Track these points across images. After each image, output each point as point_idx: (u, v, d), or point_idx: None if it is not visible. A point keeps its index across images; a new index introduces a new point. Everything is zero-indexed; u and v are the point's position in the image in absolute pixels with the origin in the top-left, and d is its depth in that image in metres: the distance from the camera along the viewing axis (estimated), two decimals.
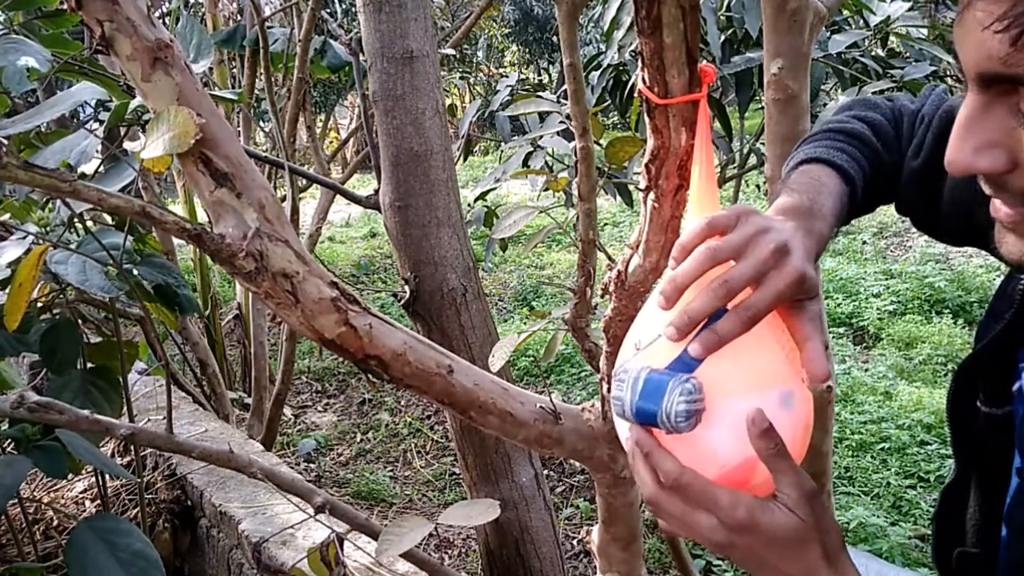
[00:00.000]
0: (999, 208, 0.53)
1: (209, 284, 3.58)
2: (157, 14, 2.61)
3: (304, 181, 3.10)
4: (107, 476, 1.92)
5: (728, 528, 0.59)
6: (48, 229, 1.35)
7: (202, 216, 0.89)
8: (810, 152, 0.78)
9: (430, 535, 0.93)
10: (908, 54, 2.16)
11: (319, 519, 1.16)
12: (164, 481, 2.14)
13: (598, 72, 2.41)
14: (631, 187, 2.37)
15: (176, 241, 3.39)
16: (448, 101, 4.96)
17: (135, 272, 1.45)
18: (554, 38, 11.07)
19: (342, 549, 1.04)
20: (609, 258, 0.86)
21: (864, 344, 4.23)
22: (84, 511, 2.17)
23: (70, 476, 2.02)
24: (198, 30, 1.34)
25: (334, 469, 3.41)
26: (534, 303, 5.36)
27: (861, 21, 2.09)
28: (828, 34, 2.00)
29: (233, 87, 3.39)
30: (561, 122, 1.94)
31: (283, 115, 2.76)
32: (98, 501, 2.11)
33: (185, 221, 0.73)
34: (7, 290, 1.23)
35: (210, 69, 2.95)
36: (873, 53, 2.10)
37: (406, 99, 1.79)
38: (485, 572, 2.16)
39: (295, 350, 3.00)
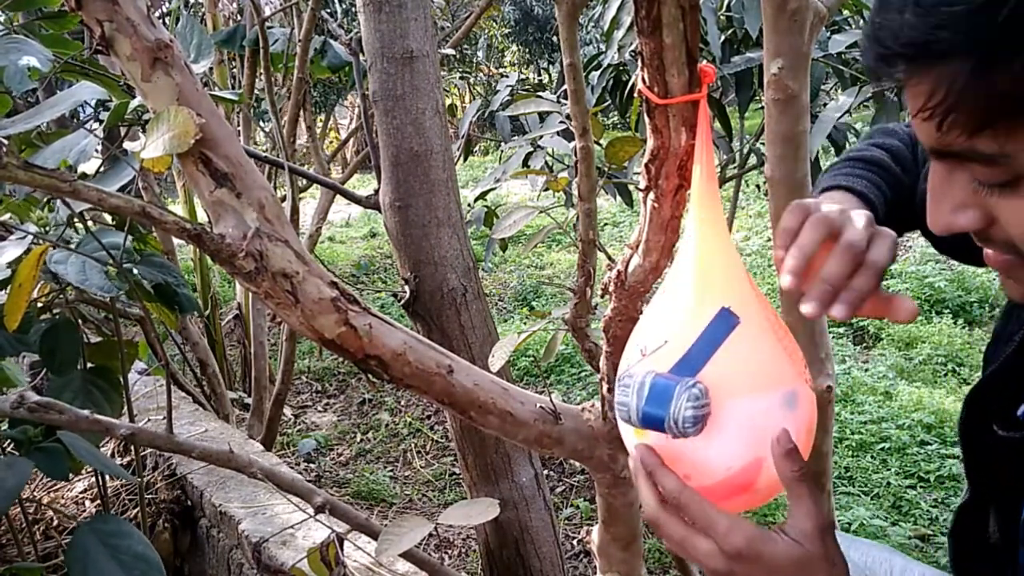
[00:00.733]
0: (991, 256, 0.55)
1: (209, 284, 3.58)
2: (157, 14, 2.61)
3: (304, 181, 3.09)
4: (107, 476, 1.92)
5: (726, 555, 0.59)
6: (48, 229, 1.35)
7: (202, 216, 0.89)
8: (830, 181, 0.79)
9: (430, 535, 0.93)
10: None
11: (319, 519, 1.16)
12: (164, 481, 2.14)
13: (598, 72, 2.40)
14: (631, 187, 2.37)
15: (176, 241, 3.39)
16: (448, 101, 4.96)
17: (135, 272, 1.45)
18: (554, 38, 11.07)
19: (342, 549, 1.04)
20: (609, 258, 0.86)
21: (864, 344, 4.23)
22: (84, 511, 2.17)
23: (70, 476, 2.02)
24: (198, 30, 1.34)
25: (334, 469, 3.41)
26: (534, 303, 5.36)
27: (861, 21, 2.09)
28: (828, 34, 2.00)
29: (233, 87, 3.39)
30: (561, 122, 1.94)
31: (283, 115, 2.76)
32: (98, 501, 2.11)
33: (185, 221, 0.73)
34: (7, 290, 1.23)
35: (210, 69, 2.95)
36: None
37: (406, 99, 1.79)
38: (485, 572, 2.16)
39: (295, 350, 3.00)
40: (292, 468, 2.83)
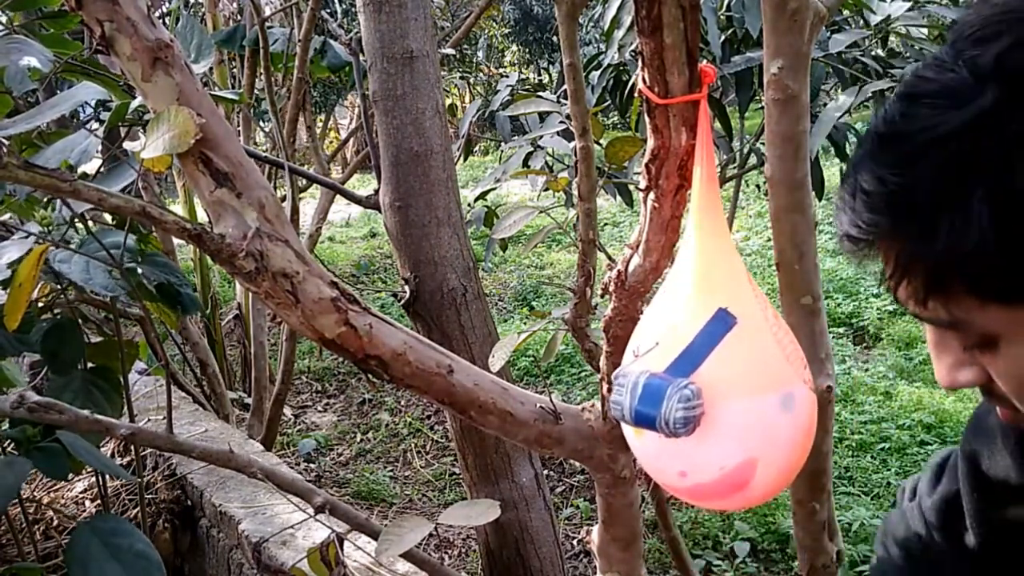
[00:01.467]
0: (1001, 412, 0.57)
1: (209, 284, 3.59)
2: (157, 14, 2.61)
3: (304, 181, 3.09)
4: (107, 476, 1.92)
5: None
6: (52, 228, 1.35)
7: (202, 216, 0.89)
8: None
9: (430, 535, 0.93)
10: (908, 54, 2.16)
11: (319, 519, 1.16)
12: (164, 481, 2.14)
13: (598, 72, 2.40)
14: (631, 187, 2.37)
15: (176, 241, 3.39)
16: (448, 101, 4.96)
17: (139, 271, 1.45)
18: (554, 38, 11.06)
19: (342, 549, 1.04)
20: (609, 258, 0.86)
21: (864, 344, 4.23)
22: (84, 511, 2.17)
23: (70, 476, 2.02)
24: (198, 30, 1.34)
25: (334, 469, 3.41)
26: (534, 303, 5.36)
27: (861, 21, 2.09)
28: (828, 34, 2.00)
29: (233, 87, 3.39)
30: (561, 122, 1.94)
31: (283, 115, 2.76)
32: (98, 501, 2.11)
33: (185, 221, 0.73)
34: (7, 290, 1.23)
35: (210, 69, 2.95)
36: (873, 53, 2.10)
37: (406, 99, 1.79)
38: (485, 572, 2.16)
39: (295, 350, 3.00)
40: (292, 468, 2.83)
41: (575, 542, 2.71)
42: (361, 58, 1.92)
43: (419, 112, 1.80)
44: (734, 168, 2.63)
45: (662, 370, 0.61)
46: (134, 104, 1.20)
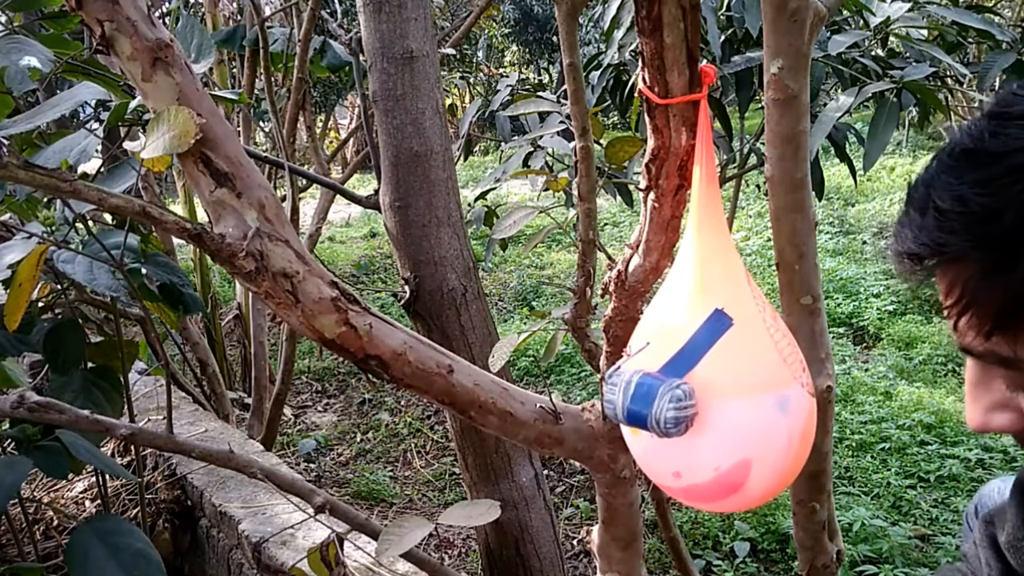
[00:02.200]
0: None
1: (209, 284, 3.59)
2: (157, 14, 2.61)
3: (304, 181, 3.09)
4: (107, 476, 1.92)
5: None
6: (54, 228, 1.35)
7: (202, 216, 0.89)
8: None
9: (430, 535, 0.93)
10: (908, 54, 2.16)
11: (319, 519, 1.16)
12: (164, 481, 2.14)
13: (598, 72, 2.40)
14: (631, 187, 2.37)
15: (176, 241, 3.39)
16: (448, 101, 4.96)
17: (142, 272, 1.45)
18: (554, 38, 11.06)
19: (342, 549, 1.04)
20: (609, 258, 0.86)
21: (864, 344, 4.23)
22: (84, 511, 2.17)
23: (70, 476, 2.02)
24: (199, 30, 1.34)
25: (334, 469, 3.41)
26: (534, 303, 5.36)
27: (861, 21, 2.09)
28: (828, 34, 2.00)
29: (233, 87, 3.39)
30: (561, 122, 1.94)
31: (283, 115, 2.76)
32: (98, 501, 2.11)
33: (185, 221, 0.73)
34: (7, 290, 1.23)
35: (210, 69, 2.95)
36: (873, 53, 2.10)
37: (406, 99, 1.79)
38: (485, 572, 2.16)
39: (295, 350, 3.00)
40: (292, 468, 2.83)
41: (575, 542, 2.71)
42: (361, 58, 1.92)
43: (419, 112, 1.80)
44: (734, 168, 2.63)
45: (656, 370, 0.61)
46: (133, 104, 1.20)
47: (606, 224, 6.96)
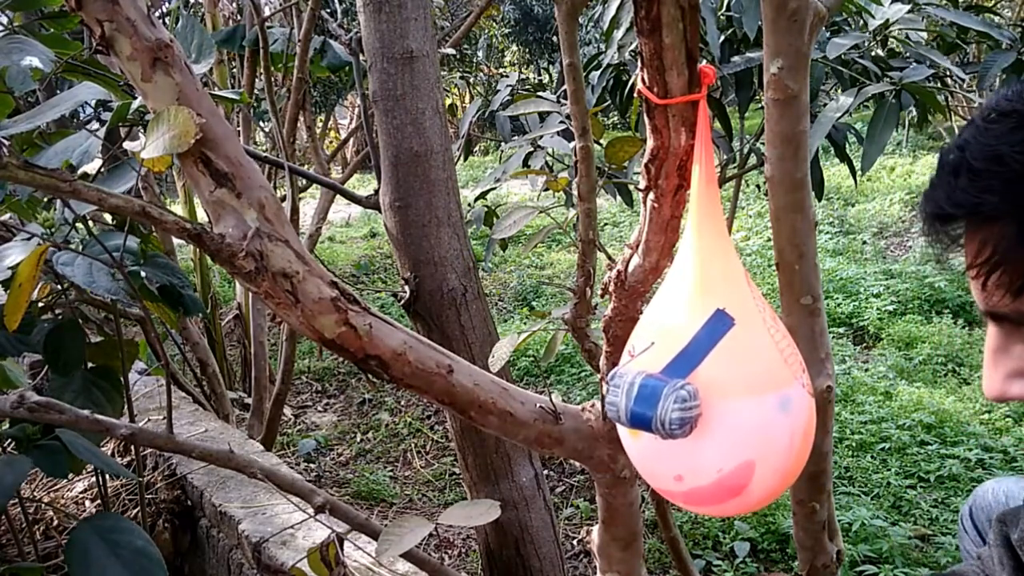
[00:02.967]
0: None
1: (209, 284, 3.59)
2: (157, 14, 2.61)
3: (304, 181, 3.10)
4: (107, 476, 1.92)
5: None
6: (53, 229, 1.35)
7: (202, 216, 0.89)
8: None
9: (430, 535, 0.93)
10: (908, 54, 2.16)
11: (319, 519, 1.16)
12: (164, 481, 2.14)
13: (598, 72, 2.40)
14: (631, 187, 2.37)
15: (176, 241, 3.39)
16: (448, 101, 4.95)
17: (142, 273, 1.45)
18: (554, 38, 11.06)
19: (342, 549, 1.04)
20: (609, 258, 0.86)
21: (864, 344, 4.23)
22: (84, 511, 2.18)
23: (70, 476, 2.02)
24: (199, 30, 1.34)
25: (334, 469, 3.41)
26: (534, 303, 5.36)
27: (861, 22, 2.09)
28: (828, 35, 2.00)
29: (233, 87, 3.39)
30: (561, 122, 1.94)
31: (283, 115, 2.76)
32: (98, 501, 2.11)
33: (185, 221, 0.73)
34: (7, 290, 1.23)
35: (210, 69, 2.95)
36: (873, 54, 2.10)
37: (406, 99, 1.79)
38: (485, 572, 2.16)
39: (295, 350, 3.00)
40: (292, 468, 2.83)
41: (575, 542, 2.71)
42: (361, 58, 1.92)
43: (419, 112, 1.80)
44: (734, 168, 2.63)
45: (659, 370, 0.60)
46: (135, 104, 1.20)
47: (606, 224, 6.96)
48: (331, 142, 9.07)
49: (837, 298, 4.59)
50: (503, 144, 2.64)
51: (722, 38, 2.14)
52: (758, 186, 5.80)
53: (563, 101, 2.00)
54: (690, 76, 0.63)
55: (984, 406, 3.34)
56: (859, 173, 2.18)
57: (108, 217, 1.96)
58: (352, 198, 2.20)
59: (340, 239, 7.68)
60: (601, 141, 1.33)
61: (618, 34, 2.18)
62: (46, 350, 1.43)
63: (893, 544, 2.46)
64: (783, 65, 0.83)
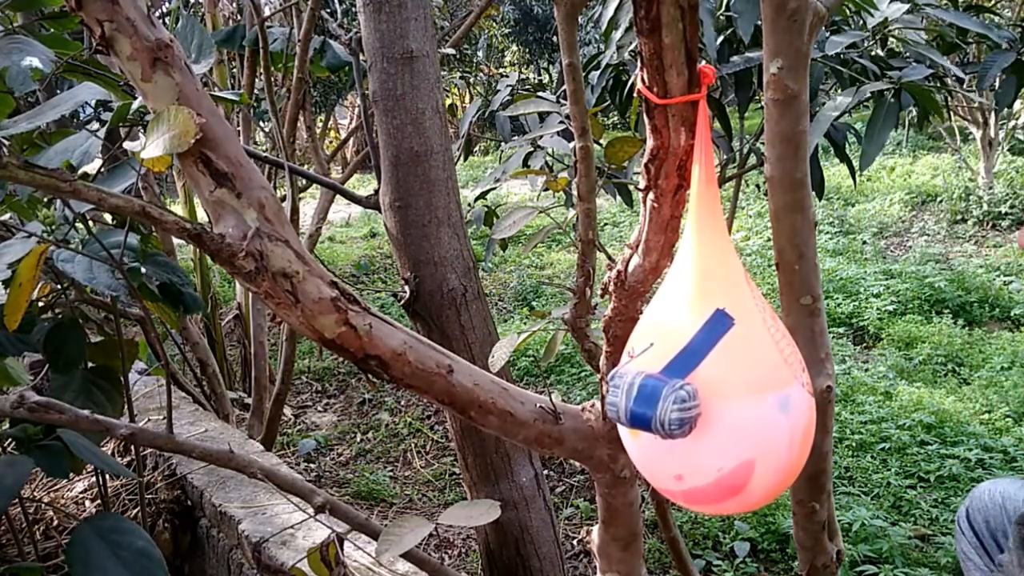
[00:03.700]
0: None
1: (209, 284, 3.59)
2: (157, 14, 2.61)
3: (304, 181, 3.10)
4: (107, 476, 1.92)
5: None
6: (54, 228, 1.35)
7: (202, 216, 0.89)
8: None
9: (430, 535, 0.93)
10: (908, 54, 2.16)
11: (319, 519, 1.16)
12: (164, 481, 2.14)
13: (598, 72, 2.40)
14: (631, 187, 2.37)
15: (176, 241, 3.39)
16: (448, 101, 4.95)
17: (142, 272, 1.45)
18: (554, 38, 11.07)
19: (342, 549, 1.04)
20: (609, 258, 0.86)
21: (864, 344, 4.23)
22: (84, 511, 2.18)
23: (71, 476, 2.02)
24: (199, 30, 1.34)
25: (334, 469, 3.41)
26: (534, 303, 5.36)
27: (861, 21, 2.09)
28: (827, 35, 2.00)
29: (233, 87, 3.39)
30: (561, 122, 1.94)
31: (283, 115, 2.76)
32: (98, 501, 2.11)
33: (185, 221, 0.73)
34: (7, 290, 1.23)
35: (210, 69, 2.95)
36: (873, 53, 2.09)
37: (406, 99, 1.79)
38: (485, 572, 2.16)
39: (295, 350, 3.00)
40: (292, 468, 2.83)
41: (575, 542, 2.71)
42: (361, 58, 1.92)
43: (419, 112, 1.80)
44: (734, 168, 2.63)
45: (659, 371, 0.61)
46: (135, 105, 1.20)
47: (606, 224, 6.96)
48: (331, 142, 9.07)
49: (837, 298, 4.59)
50: (503, 144, 2.64)
51: (721, 38, 2.14)
52: (758, 186, 5.80)
53: (563, 101, 2.00)
54: (690, 76, 0.63)
55: (984, 406, 3.34)
56: (858, 173, 2.18)
57: (108, 217, 1.96)
58: (352, 198, 2.20)
59: (340, 239, 7.68)
60: (601, 141, 1.33)
61: (616, 35, 2.18)
62: (46, 349, 1.43)
63: (893, 544, 2.46)
64: (783, 65, 0.83)
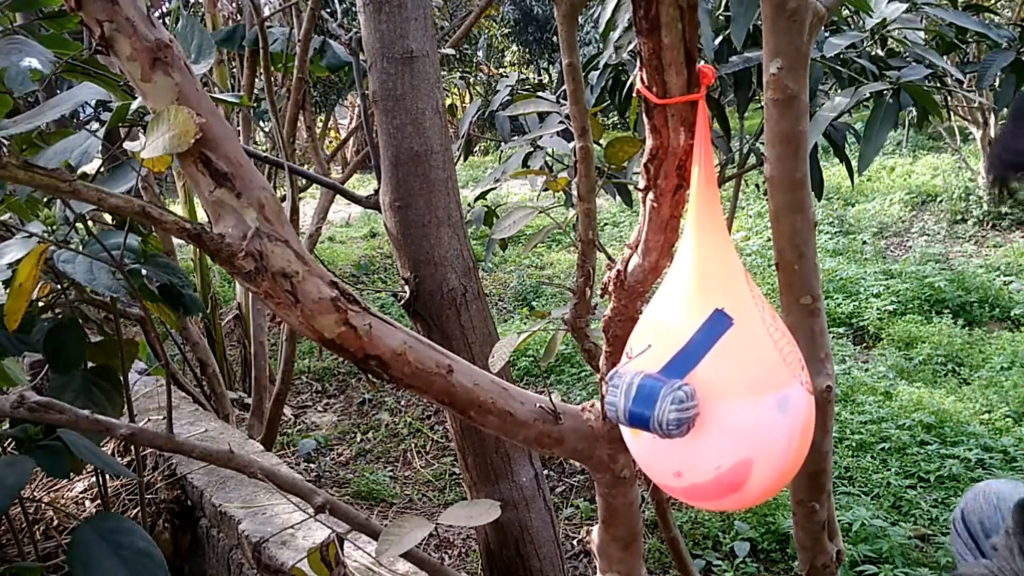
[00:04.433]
0: None
1: (209, 284, 3.59)
2: (157, 14, 2.61)
3: (304, 181, 3.10)
4: (107, 476, 1.92)
5: None
6: (55, 228, 1.35)
7: (202, 216, 0.89)
8: None
9: (430, 535, 0.93)
10: (907, 54, 2.16)
11: (319, 519, 1.16)
12: (164, 481, 2.14)
13: (597, 72, 2.40)
14: (631, 187, 2.37)
15: (176, 241, 3.39)
16: (448, 101, 4.95)
17: (142, 272, 1.45)
18: (554, 38, 11.07)
19: (342, 549, 1.04)
20: (609, 258, 0.86)
21: (864, 344, 4.23)
22: (84, 511, 2.18)
23: (71, 476, 2.02)
24: (199, 30, 1.34)
25: (334, 469, 3.41)
26: (534, 303, 5.36)
27: (860, 22, 2.09)
28: (827, 35, 2.00)
29: (233, 87, 3.39)
30: (561, 122, 1.94)
31: (283, 115, 2.76)
32: (98, 501, 2.11)
33: (185, 221, 0.73)
34: (7, 290, 1.24)
35: (210, 69, 2.95)
36: (872, 53, 2.09)
37: (406, 99, 1.79)
38: (485, 572, 2.16)
39: (295, 350, 3.00)
40: (292, 468, 2.83)
41: (575, 542, 2.71)
42: (361, 58, 1.92)
43: (419, 112, 1.80)
44: (733, 168, 2.63)
45: (657, 371, 0.61)
46: (135, 105, 1.20)
47: (606, 224, 6.96)
48: (331, 142, 9.07)
49: (837, 298, 4.59)
50: (503, 144, 2.64)
51: (720, 38, 2.14)
52: (758, 186, 5.80)
53: (563, 101, 2.00)
54: (689, 76, 0.63)
55: (984, 406, 3.34)
56: (856, 173, 2.18)
57: (108, 217, 1.96)
58: (352, 198, 2.20)
59: (340, 239, 7.68)
60: (600, 141, 1.33)
61: (614, 35, 2.18)
62: (46, 349, 1.43)
63: (893, 544, 2.46)
64: (782, 65, 0.83)
